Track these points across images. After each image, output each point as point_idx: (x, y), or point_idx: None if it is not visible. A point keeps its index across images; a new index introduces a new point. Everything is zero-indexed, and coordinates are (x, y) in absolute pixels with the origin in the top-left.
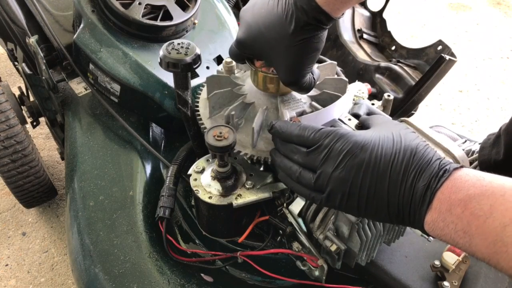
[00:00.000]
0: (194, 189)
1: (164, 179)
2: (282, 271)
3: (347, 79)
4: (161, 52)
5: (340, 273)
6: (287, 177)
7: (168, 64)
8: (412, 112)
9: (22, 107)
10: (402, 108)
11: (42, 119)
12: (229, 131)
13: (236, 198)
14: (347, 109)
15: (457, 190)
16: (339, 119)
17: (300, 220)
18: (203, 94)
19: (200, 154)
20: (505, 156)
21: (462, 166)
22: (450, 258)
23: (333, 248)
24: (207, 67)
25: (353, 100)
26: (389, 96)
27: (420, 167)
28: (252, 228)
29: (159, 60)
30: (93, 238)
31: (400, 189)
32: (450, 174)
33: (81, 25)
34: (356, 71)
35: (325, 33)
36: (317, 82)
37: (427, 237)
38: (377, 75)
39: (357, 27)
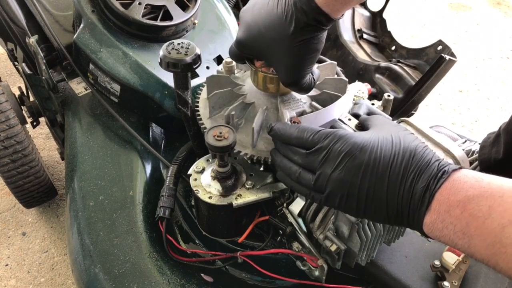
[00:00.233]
0: (194, 189)
1: (164, 179)
2: (282, 271)
3: (347, 79)
4: (161, 52)
5: (340, 273)
6: (286, 176)
7: (168, 64)
8: (412, 112)
9: (22, 107)
10: (402, 108)
11: (42, 119)
12: (229, 131)
13: (236, 198)
14: (347, 109)
15: (456, 191)
16: (339, 119)
17: (300, 220)
18: (203, 94)
19: (200, 154)
20: (505, 155)
21: (461, 168)
22: (450, 258)
23: (333, 248)
24: (207, 67)
25: (353, 100)
26: (389, 96)
27: (419, 168)
28: (252, 228)
29: (159, 60)
30: (93, 238)
31: (399, 190)
32: (449, 176)
33: (81, 25)
34: (356, 71)
35: (324, 34)
36: (317, 82)
37: (426, 237)
38: (377, 75)
39: (357, 27)
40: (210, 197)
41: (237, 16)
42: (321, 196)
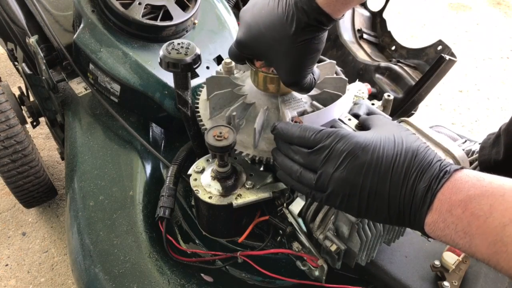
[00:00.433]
0: (194, 189)
1: (164, 179)
2: (282, 271)
3: (346, 79)
4: (161, 52)
5: (340, 273)
6: (287, 176)
7: (168, 64)
8: (412, 112)
9: (22, 107)
10: (402, 108)
11: (42, 119)
12: (229, 131)
13: (236, 198)
14: (347, 109)
15: (457, 191)
16: (339, 119)
17: (300, 220)
18: (203, 95)
19: (200, 154)
20: (505, 156)
21: (462, 168)
22: (450, 258)
23: (333, 248)
24: (207, 67)
25: (353, 100)
26: (389, 96)
27: (421, 168)
28: (252, 228)
29: (159, 60)
30: (93, 238)
31: (401, 190)
32: (450, 175)
33: (81, 25)
34: (356, 71)
35: (325, 34)
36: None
37: (427, 237)
38: (377, 75)
39: (357, 27)
40: (210, 197)
41: (237, 16)
42: (322, 195)
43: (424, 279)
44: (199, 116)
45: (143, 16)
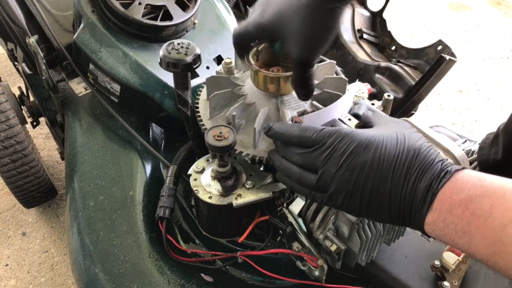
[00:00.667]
0: (194, 189)
1: (164, 179)
2: (282, 271)
3: (346, 78)
4: (161, 52)
5: (340, 273)
6: (286, 177)
7: (168, 64)
8: (412, 112)
9: (22, 107)
10: (402, 108)
11: (42, 119)
12: (229, 131)
13: (236, 198)
14: (347, 109)
15: (458, 190)
16: (339, 119)
17: (300, 220)
18: (203, 95)
19: (200, 154)
20: (504, 155)
21: (464, 168)
22: (450, 258)
23: (333, 248)
24: (207, 67)
25: (353, 100)
26: (389, 96)
27: (422, 168)
28: (252, 228)
29: (159, 60)
30: (93, 238)
31: (402, 190)
32: (451, 175)
33: (81, 25)
34: (356, 71)
35: (342, 13)
36: (317, 82)
37: (427, 237)
38: (377, 75)
39: (357, 27)
40: (210, 197)
41: (237, 16)
42: (323, 195)
43: (424, 279)
44: (199, 116)
45: (143, 16)
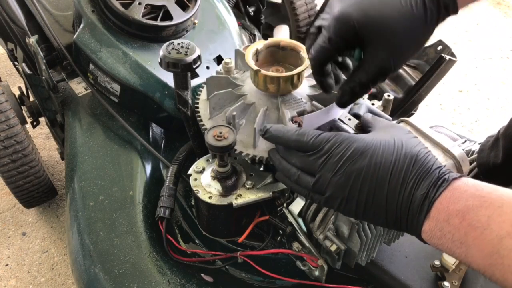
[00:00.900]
0: (194, 189)
1: (164, 179)
2: (282, 271)
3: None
4: (161, 52)
5: (340, 273)
6: (285, 178)
7: (168, 64)
8: (412, 112)
9: (22, 107)
10: (402, 108)
11: (42, 119)
12: (229, 131)
13: (236, 198)
14: (347, 109)
15: (455, 200)
16: (339, 119)
17: (300, 220)
18: (203, 95)
19: (200, 154)
20: (504, 159)
21: (461, 176)
22: (450, 258)
23: (333, 248)
24: (207, 67)
25: None
26: (389, 96)
27: (420, 175)
28: (252, 228)
29: (159, 60)
30: (93, 238)
31: (399, 197)
32: (449, 184)
33: (81, 25)
34: None
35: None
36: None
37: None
38: None
39: None
40: (210, 197)
41: (237, 16)
42: (320, 198)
43: (424, 279)
44: (199, 116)
45: (143, 16)
